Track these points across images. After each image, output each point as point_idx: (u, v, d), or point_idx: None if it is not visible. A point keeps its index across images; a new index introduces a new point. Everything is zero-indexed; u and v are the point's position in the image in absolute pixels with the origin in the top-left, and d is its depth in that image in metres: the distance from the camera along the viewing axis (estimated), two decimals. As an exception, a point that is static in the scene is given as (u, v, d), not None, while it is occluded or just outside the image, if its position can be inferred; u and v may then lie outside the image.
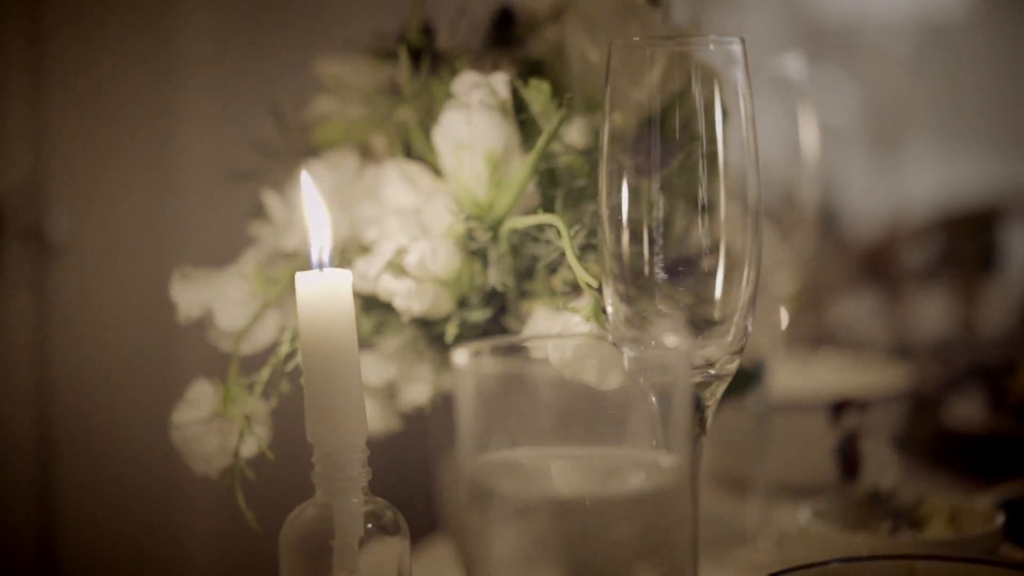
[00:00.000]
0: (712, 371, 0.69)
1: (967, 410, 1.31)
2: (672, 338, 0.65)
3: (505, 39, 0.85)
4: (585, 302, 0.71)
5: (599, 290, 0.69)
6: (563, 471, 0.56)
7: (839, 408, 0.92)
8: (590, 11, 0.80)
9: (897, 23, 4.93)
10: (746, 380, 0.90)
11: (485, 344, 0.57)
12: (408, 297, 0.74)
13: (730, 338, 0.69)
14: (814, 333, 1.48)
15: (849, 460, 0.89)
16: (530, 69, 0.84)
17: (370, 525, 0.67)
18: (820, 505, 0.88)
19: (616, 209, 0.68)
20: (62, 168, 1.39)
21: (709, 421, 0.70)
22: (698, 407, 0.69)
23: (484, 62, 0.81)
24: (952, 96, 5.24)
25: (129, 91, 1.43)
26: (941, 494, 0.90)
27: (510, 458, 0.55)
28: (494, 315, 0.78)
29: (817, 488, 0.96)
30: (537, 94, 0.74)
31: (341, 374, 0.66)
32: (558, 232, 0.73)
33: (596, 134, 0.76)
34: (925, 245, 2.75)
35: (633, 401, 0.57)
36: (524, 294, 0.77)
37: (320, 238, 0.66)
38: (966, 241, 3.94)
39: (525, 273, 0.77)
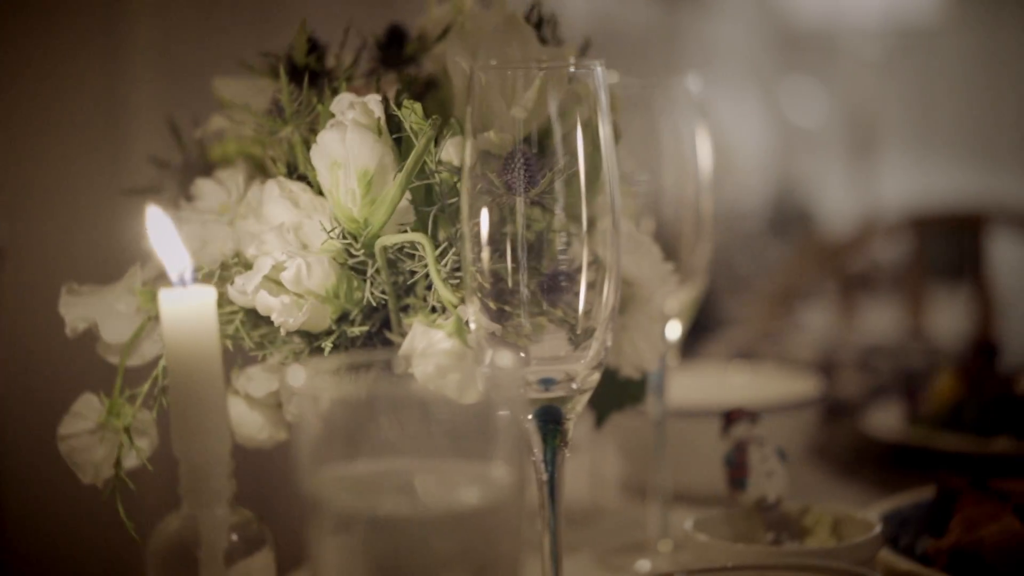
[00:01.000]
0: (574, 385, 0.71)
1: (885, 419, 1.32)
2: (504, 356, 0.67)
3: (397, 58, 0.86)
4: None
5: (463, 307, 0.71)
6: (395, 486, 0.58)
7: (729, 418, 0.94)
8: (472, 31, 0.82)
9: (871, 28, 4.95)
10: (634, 390, 0.92)
11: (324, 362, 0.58)
12: (284, 312, 0.75)
13: (591, 353, 0.71)
14: (746, 343, 1.50)
15: (737, 469, 0.91)
16: (422, 88, 0.86)
17: (235, 537, 0.68)
18: (704, 515, 0.90)
19: (477, 226, 0.69)
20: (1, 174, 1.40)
21: (570, 433, 0.72)
22: (559, 420, 0.71)
23: (376, 81, 0.83)
24: (925, 101, 5.27)
25: (66, 101, 1.45)
26: (828, 503, 0.92)
27: (344, 473, 0.57)
28: (378, 329, 0.80)
29: (715, 497, 0.97)
30: (410, 113, 0.76)
31: (204, 388, 0.67)
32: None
33: (488, 153, 0.78)
34: (893, 249, 2.77)
35: (469, 416, 0.59)
36: (404, 309, 0.79)
37: (177, 263, 0.67)
38: (938, 246, 3.96)
39: (406, 288, 0.79)
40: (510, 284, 0.70)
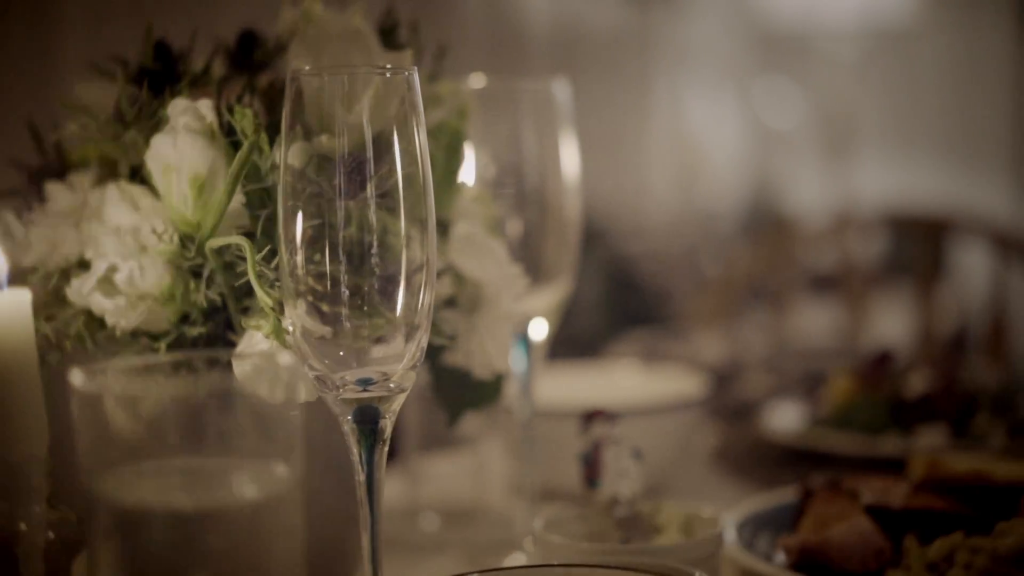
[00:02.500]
0: (391, 385, 0.72)
1: (786, 420, 1.34)
2: (323, 357, 0.69)
3: (248, 63, 0.87)
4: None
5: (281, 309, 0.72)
6: (176, 483, 0.59)
7: (589, 418, 0.95)
8: (315, 37, 0.84)
9: (846, 30, 4.96)
10: (489, 390, 0.93)
11: (108, 364, 0.60)
12: (117, 313, 0.77)
13: (409, 353, 0.72)
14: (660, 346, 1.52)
15: (591, 468, 0.92)
16: (277, 92, 0.87)
17: (51, 534, 0.70)
18: (558, 513, 0.91)
19: (293, 229, 0.71)
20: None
21: (387, 432, 0.73)
22: (376, 420, 0.72)
23: (218, 86, 0.84)
24: (900, 103, 5.28)
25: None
26: (679, 503, 0.93)
27: (124, 471, 0.58)
28: (223, 330, 0.81)
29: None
30: (242, 118, 0.77)
31: (20, 388, 0.69)
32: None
33: (309, 157, 0.79)
34: (855, 248, 2.77)
35: (254, 414, 0.60)
36: (246, 311, 0.80)
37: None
38: (903, 248, 3.97)
39: (248, 291, 0.80)
40: (340, 287, 0.71)
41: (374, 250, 0.71)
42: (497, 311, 0.87)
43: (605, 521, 0.92)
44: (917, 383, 1.27)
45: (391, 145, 0.71)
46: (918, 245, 2.70)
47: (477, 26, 3.67)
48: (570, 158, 0.99)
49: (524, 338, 1.00)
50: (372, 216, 0.71)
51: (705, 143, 4.88)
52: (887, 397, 1.27)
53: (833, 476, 0.99)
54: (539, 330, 0.99)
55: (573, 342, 1.68)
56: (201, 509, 0.58)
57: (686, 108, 4.88)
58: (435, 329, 0.87)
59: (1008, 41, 5.08)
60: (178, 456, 0.58)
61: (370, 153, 0.71)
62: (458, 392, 0.92)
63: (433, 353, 0.90)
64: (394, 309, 0.71)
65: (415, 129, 0.72)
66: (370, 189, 0.71)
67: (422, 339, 0.72)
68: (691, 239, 4.46)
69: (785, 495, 1.03)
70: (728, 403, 1.44)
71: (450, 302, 0.88)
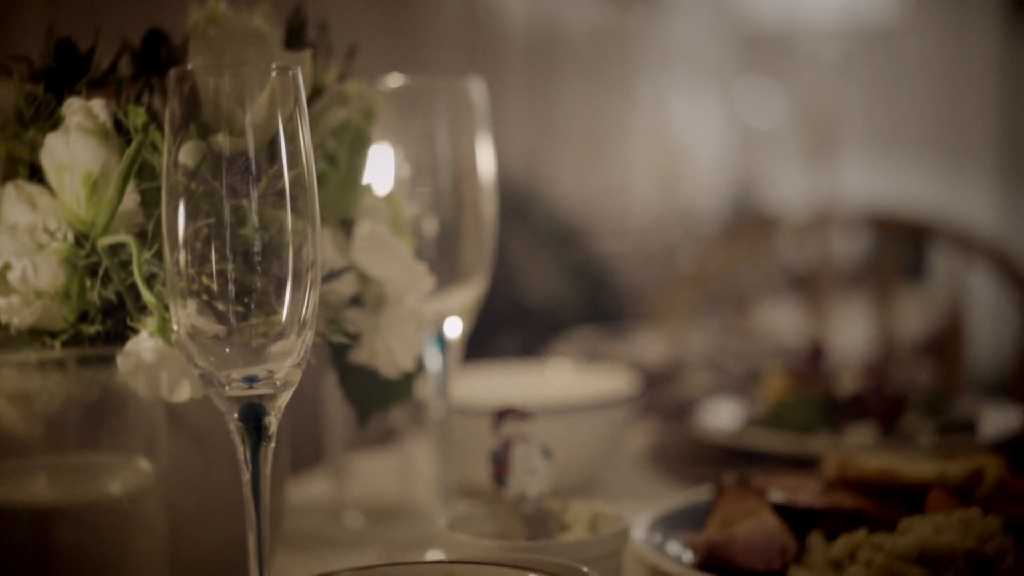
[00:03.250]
0: (277, 382, 0.73)
1: (723, 419, 1.34)
2: (209, 353, 0.69)
3: (155, 62, 0.88)
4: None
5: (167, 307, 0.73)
6: (39, 479, 0.59)
7: (500, 416, 0.95)
8: (215, 36, 0.84)
9: (829, 29, 4.96)
10: (398, 389, 0.93)
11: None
12: (11, 311, 0.77)
13: (295, 351, 0.72)
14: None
15: (500, 466, 0.93)
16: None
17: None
18: (465, 511, 0.92)
19: (176, 227, 0.71)
20: None
21: (272, 428, 0.73)
22: (261, 417, 0.73)
23: (118, 85, 0.85)
24: (884, 103, 5.29)
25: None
26: (588, 501, 0.93)
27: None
28: (123, 327, 0.82)
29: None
30: (135, 117, 0.77)
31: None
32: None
33: (200, 155, 0.79)
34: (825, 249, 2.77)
35: (120, 409, 0.61)
36: (142, 308, 0.81)
37: None
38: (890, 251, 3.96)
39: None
40: (227, 286, 0.71)
41: (262, 249, 0.72)
42: (402, 310, 0.88)
43: (512, 519, 0.92)
44: (849, 382, 1.28)
45: (279, 145, 0.72)
46: (895, 247, 2.71)
47: (455, 27, 3.67)
48: (486, 157, 1.00)
49: (440, 337, 1.00)
50: (259, 215, 0.71)
51: (687, 143, 4.89)
52: (819, 396, 1.27)
53: (743, 474, 1.00)
54: (454, 329, 1.00)
55: (534, 341, 1.69)
56: (61, 504, 0.58)
57: (667, 107, 4.89)
58: (339, 328, 0.88)
59: (994, 40, 5.09)
60: (43, 452, 0.59)
61: (252, 153, 0.71)
62: (367, 391, 0.93)
63: (340, 352, 0.91)
64: (281, 308, 0.72)
65: (299, 128, 0.72)
66: (258, 189, 0.71)
67: (308, 337, 0.73)
68: (671, 238, 4.47)
69: (703, 494, 1.03)
70: (666, 402, 1.44)
71: (355, 301, 0.89)
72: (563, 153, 4.28)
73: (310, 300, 0.72)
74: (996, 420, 1.31)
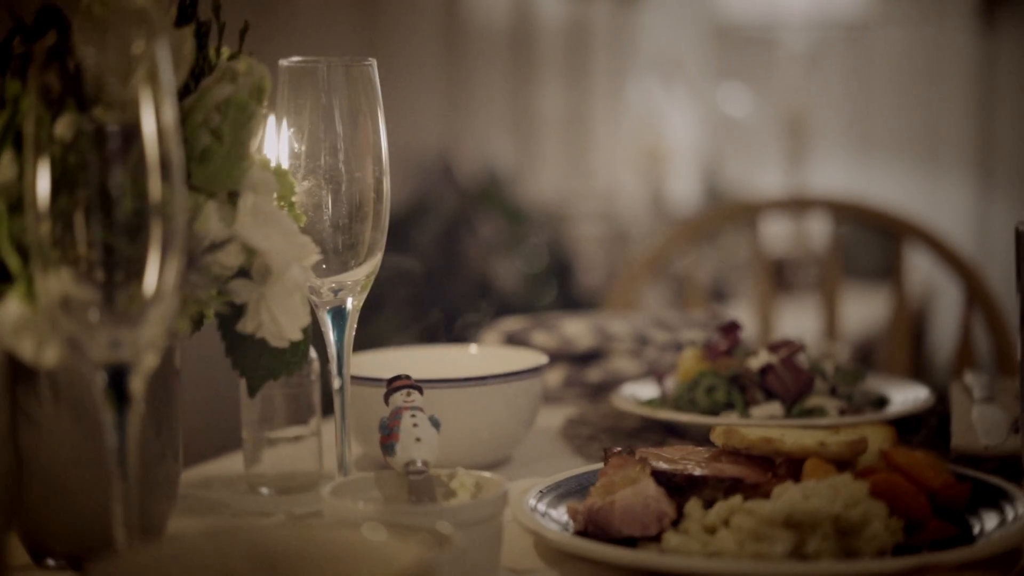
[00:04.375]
0: (142, 346, 0.75)
1: (640, 396, 1.37)
2: (74, 318, 0.71)
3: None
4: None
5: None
6: None
7: (391, 386, 0.98)
8: (99, 14, 0.86)
9: (803, 23, 4.97)
10: (288, 359, 0.96)
11: None
12: None
13: (157, 317, 0.75)
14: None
15: (388, 435, 0.95)
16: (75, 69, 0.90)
17: None
18: (351, 478, 0.94)
19: (46, 198, 0.73)
20: None
21: (138, 393, 0.75)
22: (126, 381, 0.75)
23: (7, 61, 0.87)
24: (859, 97, 5.31)
25: None
26: (473, 470, 0.96)
27: None
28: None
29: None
30: (11, 89, 0.80)
31: None
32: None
33: (74, 128, 0.81)
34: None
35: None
36: (9, 275, 0.83)
37: None
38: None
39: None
40: (94, 254, 0.74)
41: (130, 219, 0.74)
42: (286, 281, 0.90)
43: (399, 486, 0.95)
44: (759, 361, 1.30)
45: (147, 119, 0.74)
46: (869, 242, 2.72)
47: (433, 23, 3.69)
48: (381, 137, 1.02)
49: (337, 311, 1.02)
50: (128, 187, 0.74)
51: (661, 137, 4.90)
52: (730, 373, 1.29)
53: (631, 444, 1.02)
54: (350, 304, 1.02)
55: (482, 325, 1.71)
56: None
57: (641, 102, 4.91)
58: (225, 298, 0.90)
59: (967, 33, 5.10)
60: None
61: (122, 126, 0.73)
62: (256, 361, 0.95)
63: (228, 323, 0.93)
64: (148, 275, 0.74)
65: (166, 103, 0.74)
66: (127, 161, 0.74)
67: (172, 303, 0.75)
68: (645, 228, 4.49)
69: (597, 465, 1.05)
70: (591, 382, 1.47)
71: (244, 273, 0.91)
72: (541, 146, 4.31)
73: (174, 268, 0.75)
74: (906, 397, 1.33)
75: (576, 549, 0.90)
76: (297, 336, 0.92)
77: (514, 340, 1.47)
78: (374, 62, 1.02)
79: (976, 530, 0.94)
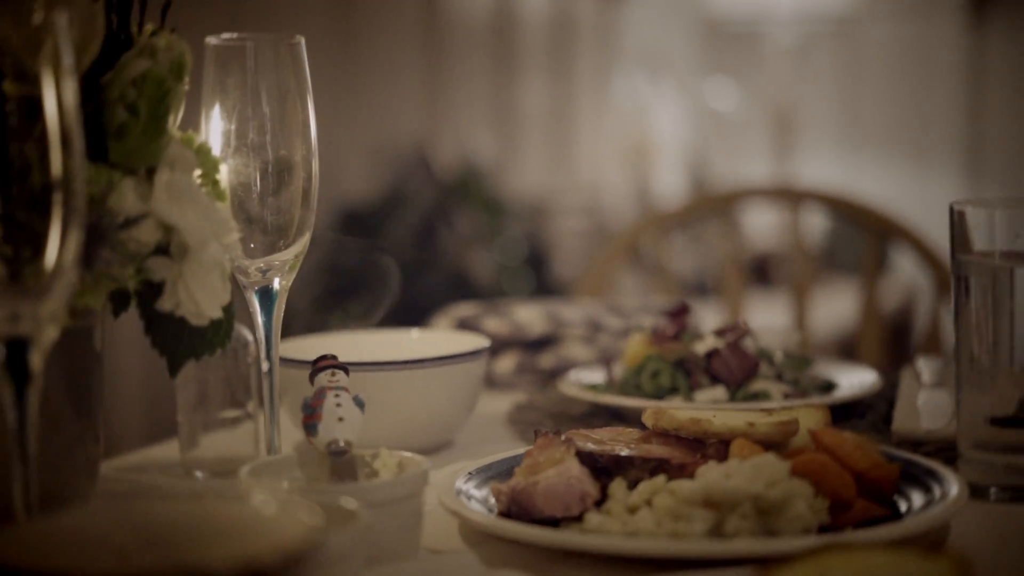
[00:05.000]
0: (42, 321, 0.74)
1: (587, 381, 1.36)
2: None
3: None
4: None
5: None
6: None
7: (316, 366, 0.97)
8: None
9: (790, 16, 4.97)
10: (211, 337, 0.95)
11: None
12: None
13: (57, 291, 0.74)
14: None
15: (310, 415, 0.94)
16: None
17: None
18: (271, 459, 0.93)
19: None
20: None
21: (37, 369, 0.74)
22: (25, 355, 0.74)
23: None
24: (845, 90, 5.29)
25: None
26: (397, 450, 0.95)
27: None
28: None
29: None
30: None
31: None
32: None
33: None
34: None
35: None
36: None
37: None
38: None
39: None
40: (11, 228, 0.73)
41: (32, 192, 0.73)
42: (203, 258, 0.89)
43: (321, 466, 0.94)
44: (705, 345, 1.29)
45: (47, 93, 0.73)
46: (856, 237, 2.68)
47: (413, 14, 3.68)
48: (310, 116, 1.01)
49: (265, 292, 1.02)
50: (31, 160, 0.73)
51: (647, 132, 4.89)
52: (676, 358, 1.29)
53: (559, 425, 1.01)
54: (278, 284, 1.01)
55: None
56: None
57: (627, 96, 4.90)
58: (143, 276, 0.89)
59: (957, 28, 5.09)
60: None
61: (26, 100, 0.72)
62: (176, 340, 0.94)
63: (146, 301, 0.92)
64: (49, 248, 0.73)
65: (64, 76, 0.73)
66: (32, 133, 0.73)
67: (72, 277, 0.74)
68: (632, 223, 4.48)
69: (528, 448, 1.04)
70: (543, 368, 1.46)
71: (163, 250, 0.90)
72: (524, 141, 4.30)
73: (75, 242, 0.74)
74: (853, 383, 1.32)
75: (494, 529, 0.89)
76: (216, 314, 0.91)
77: (465, 326, 1.46)
78: (302, 40, 1.01)
79: (904, 511, 0.93)
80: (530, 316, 1.49)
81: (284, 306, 1.03)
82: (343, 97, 3.21)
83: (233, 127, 1.00)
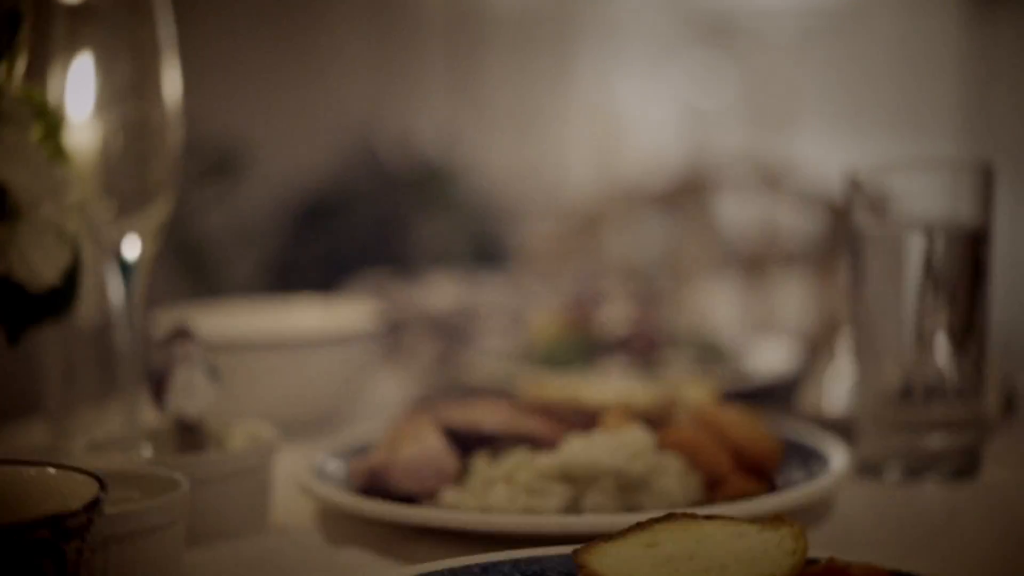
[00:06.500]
0: None
1: (494, 360, 1.31)
2: None
3: None
4: None
5: None
6: None
7: (168, 336, 0.92)
8: None
9: (783, 6, 4.91)
10: (55, 304, 0.90)
11: None
12: None
13: None
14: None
15: (159, 386, 0.90)
16: None
17: None
18: (115, 432, 0.89)
19: None
20: None
21: None
22: None
23: None
24: (841, 82, 5.24)
25: None
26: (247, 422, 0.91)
27: None
28: None
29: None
30: None
31: None
32: None
33: None
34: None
35: None
36: None
37: None
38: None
39: None
40: None
41: None
42: (36, 218, 0.84)
43: (169, 438, 0.89)
44: (613, 324, 1.25)
45: None
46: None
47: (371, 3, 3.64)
48: (171, 81, 0.96)
49: (124, 261, 0.97)
50: None
51: (630, 120, 4.84)
52: (584, 336, 1.24)
53: (427, 400, 0.97)
54: (134, 249, 0.96)
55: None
56: None
57: (609, 84, 4.85)
58: (-27, 238, 0.85)
59: (955, 18, 5.04)
60: None
61: None
62: (14, 307, 0.89)
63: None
64: None
65: None
66: None
67: None
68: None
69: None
70: (455, 347, 1.42)
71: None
72: (489, 129, 4.25)
73: None
74: (767, 363, 1.28)
75: (341, 505, 0.84)
76: (53, 280, 0.86)
77: (377, 293, 1.41)
78: (164, 4, 0.97)
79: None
80: (442, 291, 1.44)
81: (146, 275, 0.98)
82: (292, 86, 3.16)
83: (91, 87, 0.95)
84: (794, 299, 3.20)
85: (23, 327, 0.90)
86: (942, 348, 0.93)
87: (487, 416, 0.93)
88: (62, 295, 0.90)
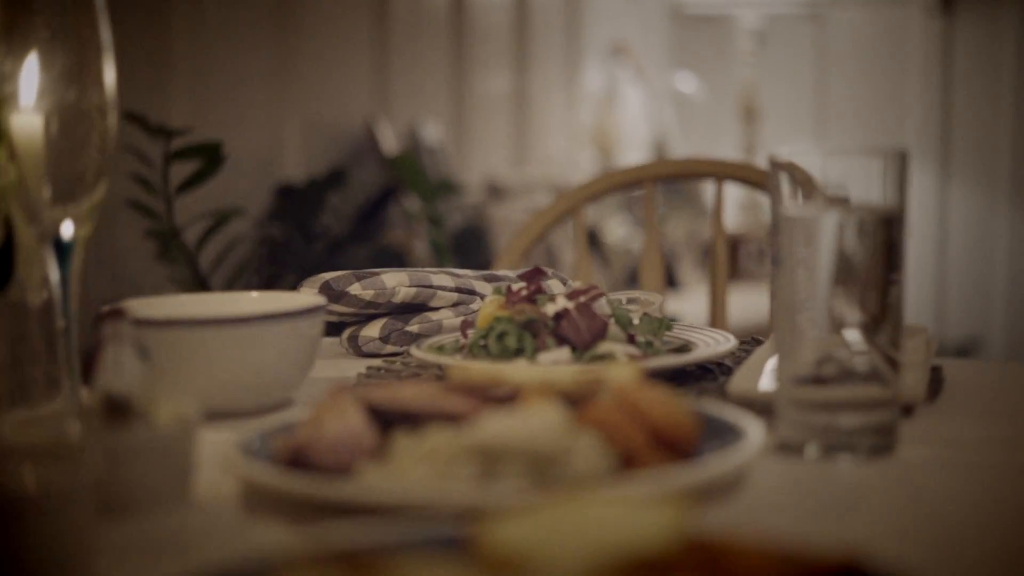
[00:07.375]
0: None
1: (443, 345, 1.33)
2: None
3: None
4: None
5: None
6: None
7: (101, 316, 0.95)
8: None
9: (760, 1, 4.92)
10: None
11: None
12: None
13: None
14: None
15: (90, 364, 0.92)
16: None
17: None
18: (45, 411, 0.91)
19: None
20: None
21: None
22: None
23: None
24: (811, 80, 5.25)
25: None
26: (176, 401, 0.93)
27: None
28: None
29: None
30: None
31: None
32: None
33: None
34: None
35: None
36: None
37: None
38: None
39: None
40: None
41: None
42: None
43: (98, 417, 0.91)
44: (555, 307, 1.26)
45: None
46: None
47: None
48: (108, 67, 0.98)
49: (60, 244, 0.99)
50: None
51: (610, 118, 4.85)
52: (524, 319, 1.26)
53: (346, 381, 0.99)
54: (69, 231, 0.99)
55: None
56: None
57: (588, 81, 4.86)
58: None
59: (928, 17, 5.04)
60: None
61: None
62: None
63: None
64: None
65: None
66: None
67: None
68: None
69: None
70: (411, 333, 1.44)
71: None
72: (481, 126, 4.27)
73: None
74: (710, 345, 1.30)
75: (254, 479, 0.86)
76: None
77: (329, 290, 1.43)
78: (101, -11, 0.99)
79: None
80: (397, 281, 1.46)
81: (82, 259, 1.00)
82: (286, 76, 3.18)
83: (36, 76, 0.97)
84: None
85: (-47, 306, 0.92)
86: (854, 329, 0.95)
87: (409, 395, 0.95)
88: (-7, 275, 0.92)
